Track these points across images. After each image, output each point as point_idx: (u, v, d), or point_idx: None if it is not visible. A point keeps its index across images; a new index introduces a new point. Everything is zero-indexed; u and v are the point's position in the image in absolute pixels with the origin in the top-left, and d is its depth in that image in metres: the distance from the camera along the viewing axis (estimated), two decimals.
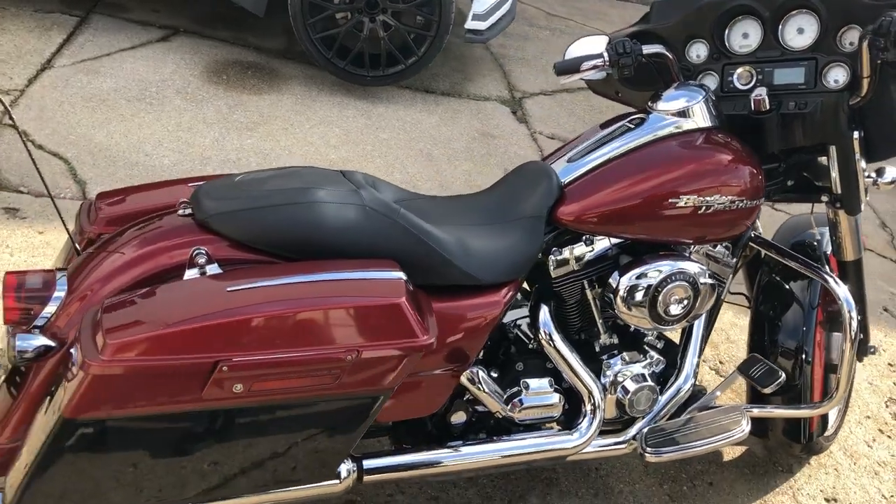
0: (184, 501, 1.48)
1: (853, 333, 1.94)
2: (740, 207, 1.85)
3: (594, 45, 2.04)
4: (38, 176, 1.60)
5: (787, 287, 2.25)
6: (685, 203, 1.80)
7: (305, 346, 1.39)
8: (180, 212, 1.61)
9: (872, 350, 2.31)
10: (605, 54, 1.89)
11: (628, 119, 1.94)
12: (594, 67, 1.91)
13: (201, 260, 1.49)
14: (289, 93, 4.00)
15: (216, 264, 1.50)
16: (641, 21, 2.09)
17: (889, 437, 2.65)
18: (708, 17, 1.95)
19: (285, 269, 1.48)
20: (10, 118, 1.52)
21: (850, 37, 1.83)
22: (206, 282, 1.43)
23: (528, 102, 4.52)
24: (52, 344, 1.46)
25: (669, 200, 1.79)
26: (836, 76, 1.86)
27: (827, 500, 2.36)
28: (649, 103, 1.94)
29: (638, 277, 1.83)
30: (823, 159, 2.03)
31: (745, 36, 1.95)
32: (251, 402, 1.38)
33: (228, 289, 1.40)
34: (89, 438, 1.33)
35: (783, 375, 2.02)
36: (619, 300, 1.84)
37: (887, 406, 2.80)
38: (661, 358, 2.02)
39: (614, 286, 1.85)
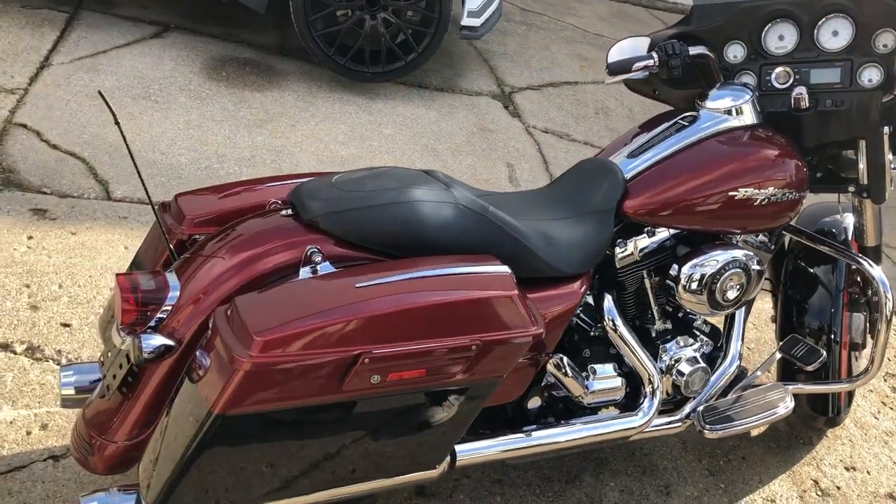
0: (307, 491, 1.55)
1: (889, 313, 2.11)
2: (789, 198, 1.98)
3: (637, 46, 2.15)
4: (141, 184, 1.63)
5: (814, 272, 2.41)
6: (742, 195, 1.93)
7: (433, 337, 1.46)
8: (283, 212, 1.66)
9: None
10: (655, 55, 2.00)
11: (680, 117, 2.06)
12: (645, 67, 2.02)
13: (317, 259, 1.55)
14: (289, 89, 4.02)
15: (328, 262, 1.56)
16: (681, 23, 2.20)
17: (891, 408, 2.85)
18: (746, 20, 2.07)
19: (400, 266, 1.55)
20: (117, 125, 1.54)
21: (885, 39, 1.98)
22: (334, 279, 1.49)
23: (518, 97, 4.62)
24: (173, 344, 1.50)
25: (728, 193, 1.92)
26: (871, 76, 2.00)
27: (847, 468, 2.54)
28: (698, 101, 2.06)
29: (698, 266, 1.96)
30: (849, 152, 2.18)
31: (781, 38, 2.07)
32: (384, 392, 1.45)
33: (357, 285, 1.46)
34: (237, 433, 1.38)
35: (824, 353, 2.18)
36: (680, 288, 1.96)
37: (885, 380, 3.00)
38: (710, 341, 2.15)
39: (675, 275, 1.97)
